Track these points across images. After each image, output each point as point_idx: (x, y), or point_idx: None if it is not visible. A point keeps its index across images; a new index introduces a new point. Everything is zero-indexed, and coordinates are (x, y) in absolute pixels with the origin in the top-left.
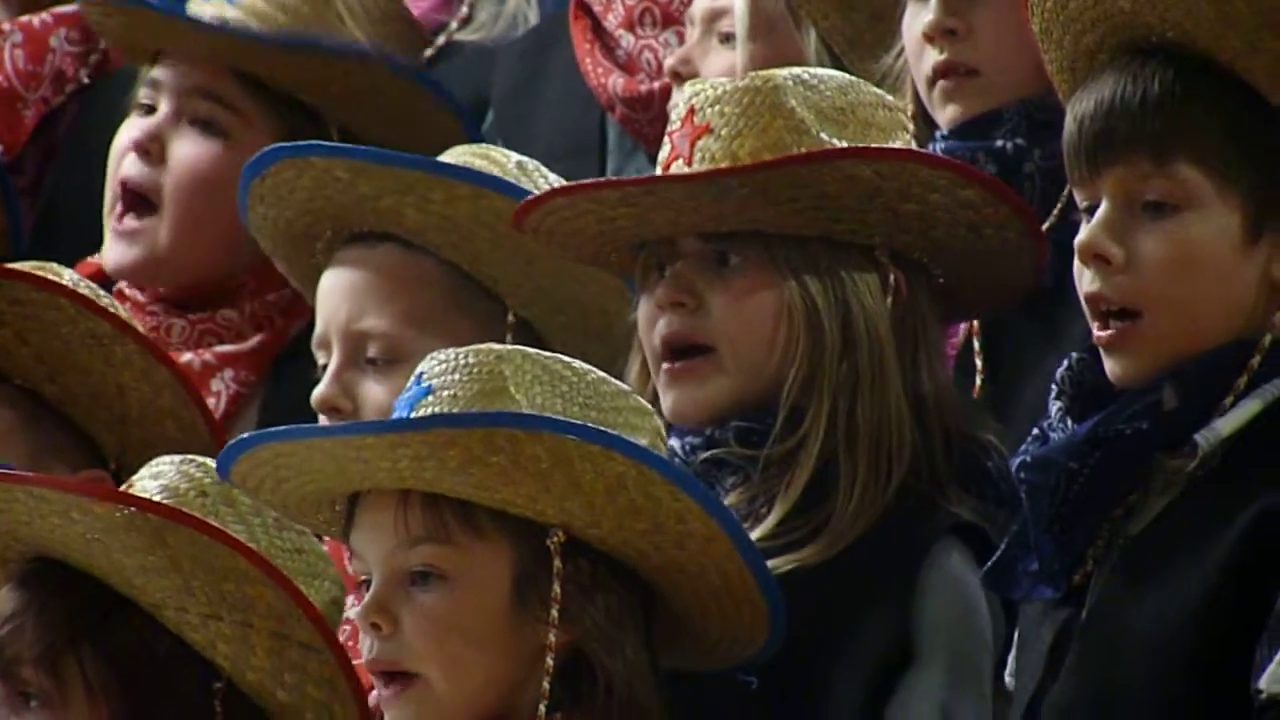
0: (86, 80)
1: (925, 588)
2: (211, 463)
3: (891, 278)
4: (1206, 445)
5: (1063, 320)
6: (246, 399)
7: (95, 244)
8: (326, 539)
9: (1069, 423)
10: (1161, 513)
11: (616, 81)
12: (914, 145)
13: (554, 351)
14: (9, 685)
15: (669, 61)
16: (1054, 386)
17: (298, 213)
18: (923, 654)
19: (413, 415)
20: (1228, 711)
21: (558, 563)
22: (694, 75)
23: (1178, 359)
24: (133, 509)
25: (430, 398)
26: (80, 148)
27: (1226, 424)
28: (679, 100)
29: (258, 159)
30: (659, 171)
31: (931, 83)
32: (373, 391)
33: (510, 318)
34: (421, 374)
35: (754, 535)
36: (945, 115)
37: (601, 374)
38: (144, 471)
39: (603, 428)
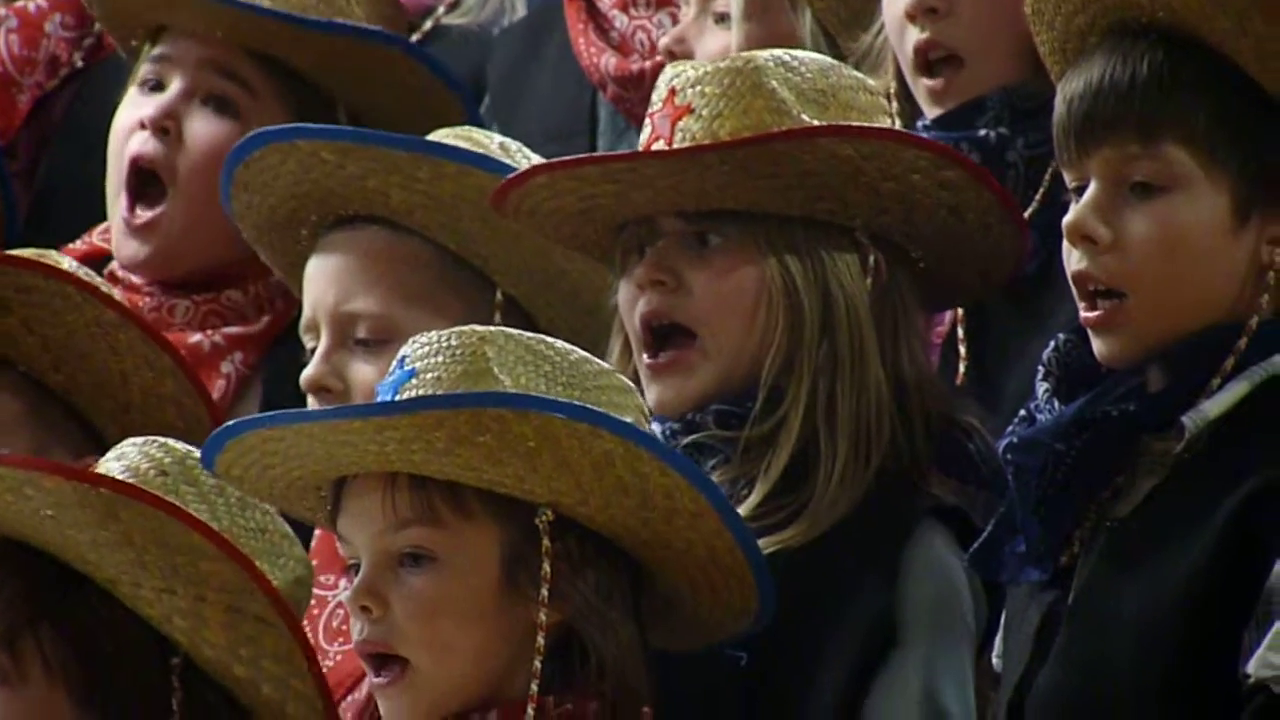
0: (81, 65)
1: (908, 570)
2: (175, 443)
3: (872, 259)
4: (1194, 427)
5: (1046, 307)
6: (249, 382)
7: (89, 228)
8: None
9: (1056, 404)
10: (1149, 495)
11: (609, 61)
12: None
13: (543, 329)
14: None
15: (664, 41)
16: (1041, 368)
17: (282, 198)
18: (906, 635)
19: (397, 398)
20: (1215, 694)
21: (547, 541)
22: (688, 55)
23: (1165, 340)
24: (86, 484)
25: (414, 380)
26: (74, 132)
27: (1214, 406)
28: (660, 82)
29: (241, 145)
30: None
31: (915, 63)
32: (362, 371)
33: (498, 296)
34: (404, 357)
35: None
36: (931, 114)
37: (584, 354)
38: (110, 454)
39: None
